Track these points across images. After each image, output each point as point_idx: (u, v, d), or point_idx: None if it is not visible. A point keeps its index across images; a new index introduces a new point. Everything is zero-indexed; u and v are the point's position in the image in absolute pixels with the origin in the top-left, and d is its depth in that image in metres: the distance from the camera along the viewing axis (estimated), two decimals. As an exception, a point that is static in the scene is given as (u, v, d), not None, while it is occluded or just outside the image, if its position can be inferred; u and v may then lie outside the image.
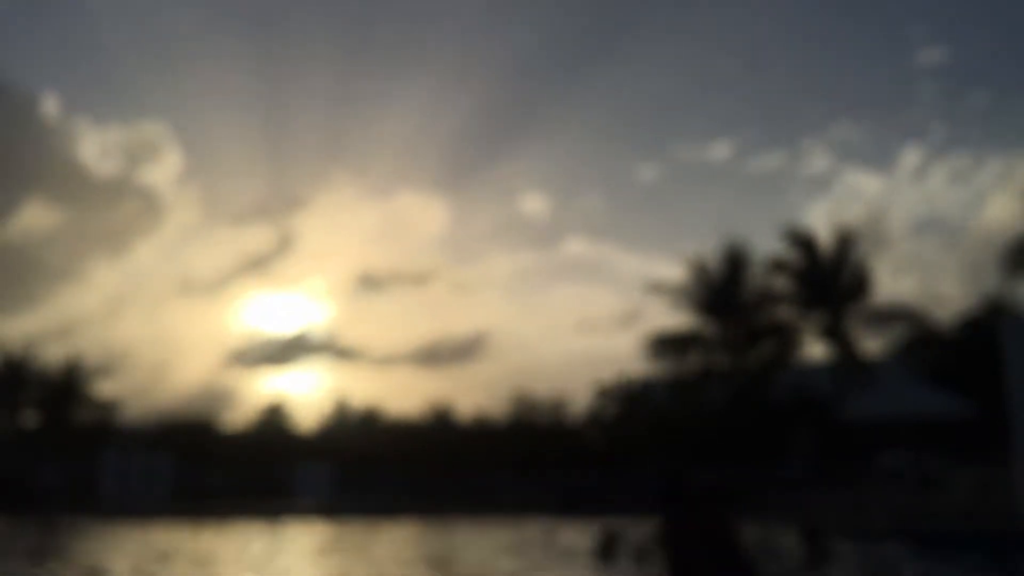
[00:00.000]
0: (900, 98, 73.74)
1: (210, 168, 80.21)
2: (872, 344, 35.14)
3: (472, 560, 14.76)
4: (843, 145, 71.02)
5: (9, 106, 60.52)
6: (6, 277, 59.17)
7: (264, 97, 78.06)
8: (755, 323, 36.51)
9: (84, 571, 12.84)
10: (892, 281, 62.76)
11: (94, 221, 68.95)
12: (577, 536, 17.27)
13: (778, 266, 36.22)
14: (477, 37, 78.25)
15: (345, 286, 74.27)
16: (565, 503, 30.47)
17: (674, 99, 77.25)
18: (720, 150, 73.48)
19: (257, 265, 72.51)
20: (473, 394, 58.34)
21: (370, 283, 69.53)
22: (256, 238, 72.98)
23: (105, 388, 44.83)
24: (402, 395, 65.11)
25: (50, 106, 72.36)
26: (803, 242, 35.98)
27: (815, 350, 35.84)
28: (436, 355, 60.59)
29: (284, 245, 74.43)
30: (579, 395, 43.23)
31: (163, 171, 70.21)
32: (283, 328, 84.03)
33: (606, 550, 12.67)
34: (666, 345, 37.02)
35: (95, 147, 70.39)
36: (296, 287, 76.48)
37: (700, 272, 37.62)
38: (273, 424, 45.52)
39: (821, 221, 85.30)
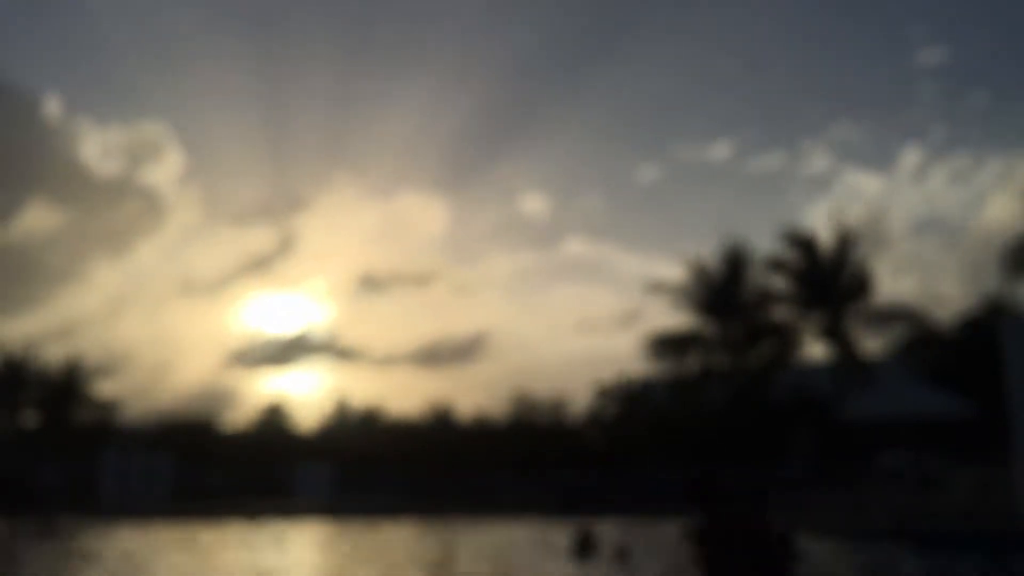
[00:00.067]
0: (900, 98, 73.81)
1: (211, 168, 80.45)
2: (872, 344, 35.22)
3: (461, 559, 14.76)
4: (843, 145, 71.08)
5: (10, 107, 60.57)
6: (7, 277, 59.20)
7: (265, 97, 78.21)
8: (755, 323, 36.54)
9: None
10: (892, 281, 62.79)
11: (95, 221, 69.04)
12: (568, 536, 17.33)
13: (778, 266, 36.24)
14: (477, 37, 78.37)
15: (346, 286, 74.52)
16: (565, 503, 30.43)
17: (674, 99, 77.38)
18: (720, 150, 73.56)
19: (258, 265, 72.72)
20: (473, 394, 58.57)
21: (371, 283, 69.64)
22: (257, 238, 73.08)
23: (105, 388, 45.03)
24: (402, 395, 65.29)
25: (51, 107, 72.52)
26: (803, 242, 35.98)
27: (815, 350, 35.94)
28: (436, 355, 60.76)
29: (285, 245, 74.57)
30: (579, 395, 43.38)
31: (164, 171, 70.28)
32: (284, 328, 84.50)
33: (582, 548, 13.24)
34: (666, 345, 37.06)
35: (96, 147, 70.41)
36: (297, 287, 76.57)
37: (700, 272, 37.66)
38: (273, 424, 45.56)
39: (821, 221, 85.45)
